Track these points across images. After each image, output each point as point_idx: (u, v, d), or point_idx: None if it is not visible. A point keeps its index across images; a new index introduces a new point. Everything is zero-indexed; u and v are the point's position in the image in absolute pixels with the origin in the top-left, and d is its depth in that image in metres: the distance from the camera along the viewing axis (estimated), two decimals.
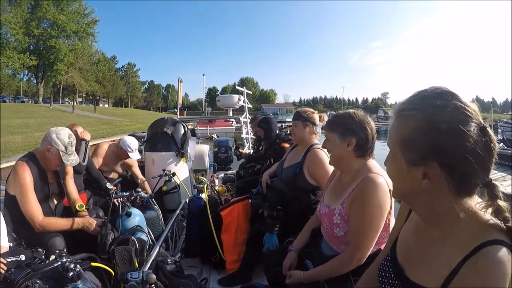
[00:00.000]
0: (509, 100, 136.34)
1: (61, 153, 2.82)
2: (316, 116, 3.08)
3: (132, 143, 4.45)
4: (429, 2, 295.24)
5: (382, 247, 1.91)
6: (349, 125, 1.99)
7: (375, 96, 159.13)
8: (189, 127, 5.45)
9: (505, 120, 52.50)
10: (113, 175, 4.69)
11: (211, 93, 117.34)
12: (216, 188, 5.60)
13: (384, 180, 1.81)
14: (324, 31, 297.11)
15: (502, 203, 0.94)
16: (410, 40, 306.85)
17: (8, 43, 39.91)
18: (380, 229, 1.82)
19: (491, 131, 0.92)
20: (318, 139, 3.06)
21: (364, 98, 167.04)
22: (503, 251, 0.87)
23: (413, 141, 0.95)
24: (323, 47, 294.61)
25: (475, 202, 0.96)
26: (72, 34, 47.81)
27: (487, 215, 0.95)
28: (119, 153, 4.51)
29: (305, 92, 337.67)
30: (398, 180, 1.06)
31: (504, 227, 0.92)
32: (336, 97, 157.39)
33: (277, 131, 4.77)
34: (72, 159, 2.93)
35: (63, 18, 44.63)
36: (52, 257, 2.10)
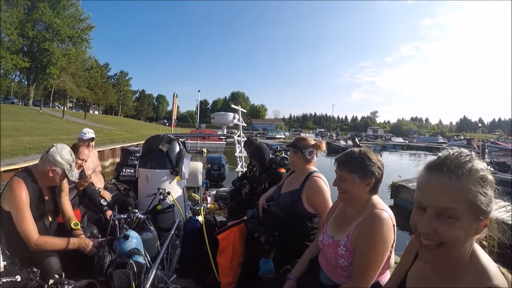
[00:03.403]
0: (496, 120, 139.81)
1: (66, 171, 2.87)
2: (309, 143, 3.13)
3: (85, 129, 5.12)
4: (416, 26, 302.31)
5: (381, 278, 1.98)
6: (368, 166, 2.04)
7: (364, 114, 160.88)
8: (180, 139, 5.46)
9: (492, 140, 53.06)
10: (97, 177, 4.91)
11: (202, 106, 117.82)
12: (208, 205, 5.59)
13: (388, 215, 1.92)
14: (315, 48, 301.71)
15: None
16: (397, 61, 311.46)
17: (2, 43, 39.65)
18: (384, 262, 1.90)
19: None
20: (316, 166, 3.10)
21: (353, 116, 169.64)
22: None
23: (482, 203, 1.05)
24: (314, 64, 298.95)
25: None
26: (67, 39, 47.95)
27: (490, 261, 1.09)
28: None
29: (295, 109, 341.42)
30: (463, 237, 1.07)
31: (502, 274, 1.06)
32: (326, 115, 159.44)
33: (270, 156, 4.78)
34: (76, 173, 3.00)
35: (59, 21, 44.72)
36: (51, 281, 2.07)
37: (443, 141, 62.15)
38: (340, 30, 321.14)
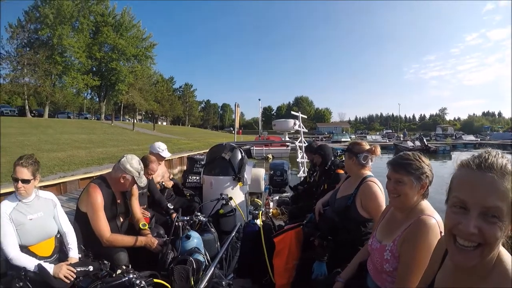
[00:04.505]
0: None
1: (135, 178, 3.19)
2: (363, 148, 3.12)
3: (161, 145, 5.03)
4: (478, 12, 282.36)
5: None
6: (423, 169, 2.03)
7: (433, 112, 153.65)
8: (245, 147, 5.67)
9: None
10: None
11: (266, 112, 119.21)
12: (271, 210, 5.71)
13: (435, 222, 1.87)
14: (377, 47, 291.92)
15: None
16: (464, 52, 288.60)
17: (73, 65, 43.29)
18: None
19: None
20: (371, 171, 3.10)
21: (421, 114, 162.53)
22: None
23: None
24: (377, 63, 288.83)
25: None
26: (132, 57, 51.18)
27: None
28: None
29: (360, 110, 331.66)
30: (500, 238, 1.06)
31: None
32: (392, 115, 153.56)
33: (332, 158, 4.84)
34: (144, 180, 3.32)
35: (123, 42, 47.82)
36: (119, 271, 2.33)
37: None
38: (401, 25, 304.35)
